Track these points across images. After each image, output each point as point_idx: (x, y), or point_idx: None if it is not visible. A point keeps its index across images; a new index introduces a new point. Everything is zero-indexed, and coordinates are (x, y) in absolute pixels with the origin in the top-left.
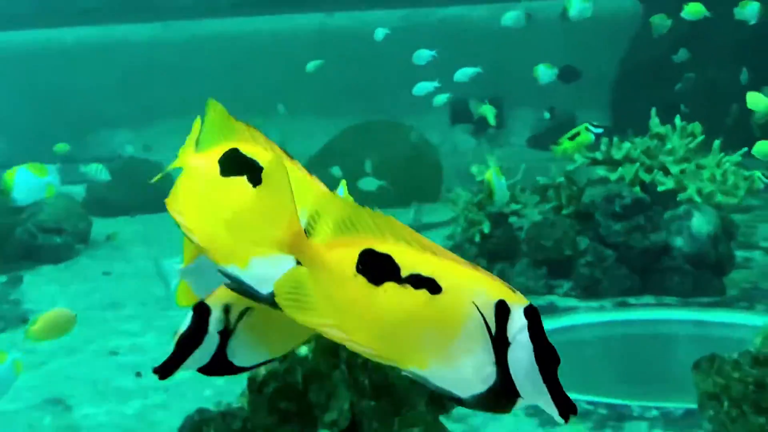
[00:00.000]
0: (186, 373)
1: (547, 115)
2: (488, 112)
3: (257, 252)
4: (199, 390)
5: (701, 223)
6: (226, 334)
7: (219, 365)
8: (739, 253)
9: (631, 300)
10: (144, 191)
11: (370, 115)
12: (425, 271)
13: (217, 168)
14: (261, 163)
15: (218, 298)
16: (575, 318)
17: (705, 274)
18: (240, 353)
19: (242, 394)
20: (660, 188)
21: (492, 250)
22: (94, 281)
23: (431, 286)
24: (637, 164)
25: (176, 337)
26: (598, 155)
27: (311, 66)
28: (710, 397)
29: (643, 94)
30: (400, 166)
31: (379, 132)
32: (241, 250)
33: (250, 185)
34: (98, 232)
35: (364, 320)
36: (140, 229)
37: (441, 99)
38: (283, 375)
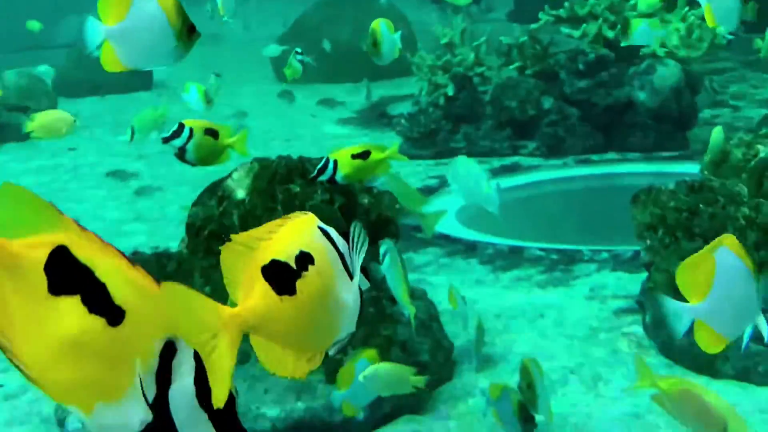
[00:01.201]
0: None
1: None
2: None
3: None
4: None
5: (664, 76)
6: None
7: None
8: (707, 111)
9: (594, 157)
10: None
11: None
12: (116, 292)
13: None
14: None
15: None
16: (538, 174)
17: (668, 129)
18: None
19: (181, 240)
20: (623, 43)
21: (457, 114)
22: (60, 157)
23: (113, 314)
24: (600, 20)
25: None
26: (562, 12)
27: None
28: (647, 227)
29: None
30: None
31: (349, 5)
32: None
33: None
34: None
35: (32, 333)
36: (107, 108)
37: None
38: (219, 218)
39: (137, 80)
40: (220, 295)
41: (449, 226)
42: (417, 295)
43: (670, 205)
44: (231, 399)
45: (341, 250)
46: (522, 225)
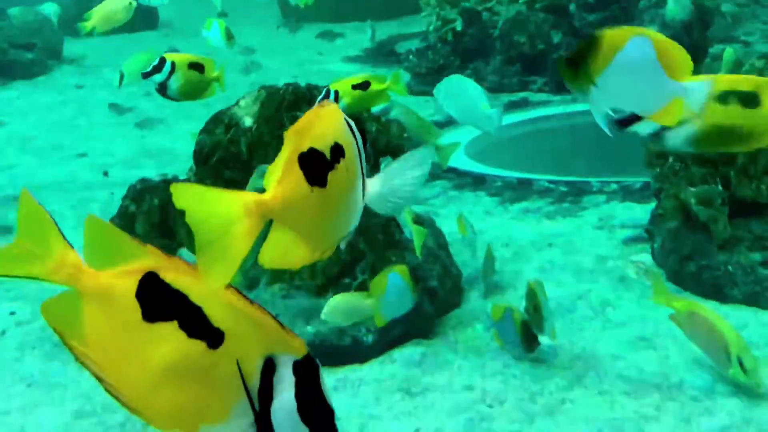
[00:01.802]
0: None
1: None
2: None
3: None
4: None
5: (675, 10)
6: None
7: None
8: (718, 46)
9: None
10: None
11: None
12: (213, 314)
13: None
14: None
15: None
16: (547, 110)
17: None
18: None
19: (189, 169)
20: None
21: (465, 49)
22: (67, 94)
23: (213, 337)
24: None
25: None
26: None
27: None
28: (657, 155)
29: None
30: None
31: None
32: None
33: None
34: (72, 51)
35: (130, 363)
36: (114, 48)
37: None
38: (227, 145)
39: (143, 20)
40: None
41: (457, 159)
42: (426, 223)
43: None
44: (330, 413)
45: (359, 146)
46: (531, 159)
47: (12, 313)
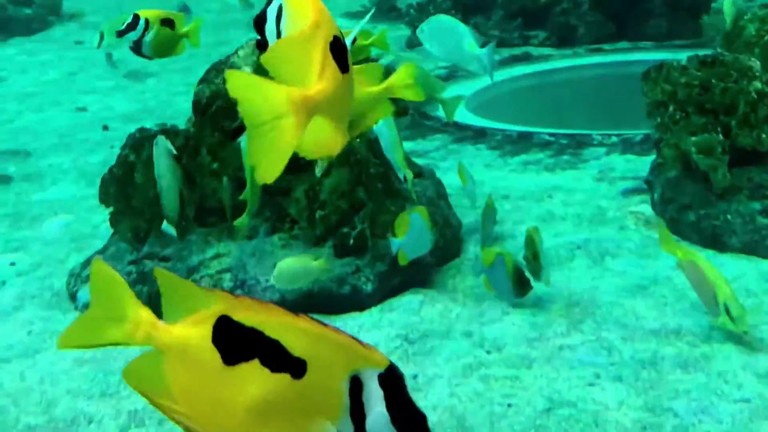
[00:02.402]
0: None
1: None
2: None
3: None
4: None
5: None
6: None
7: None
8: None
9: (606, 46)
10: None
11: None
12: (292, 345)
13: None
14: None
15: None
16: (549, 64)
17: (681, 16)
18: None
19: (188, 119)
20: None
21: (466, 3)
22: (66, 50)
23: (296, 368)
24: None
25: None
26: None
27: None
28: (658, 105)
29: None
30: None
31: None
32: None
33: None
34: (72, 7)
35: (218, 409)
36: (115, 3)
37: None
38: (226, 95)
39: None
40: (226, 172)
41: (459, 113)
42: (425, 173)
43: (681, 81)
44: (423, 418)
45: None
46: (531, 112)
47: (12, 264)
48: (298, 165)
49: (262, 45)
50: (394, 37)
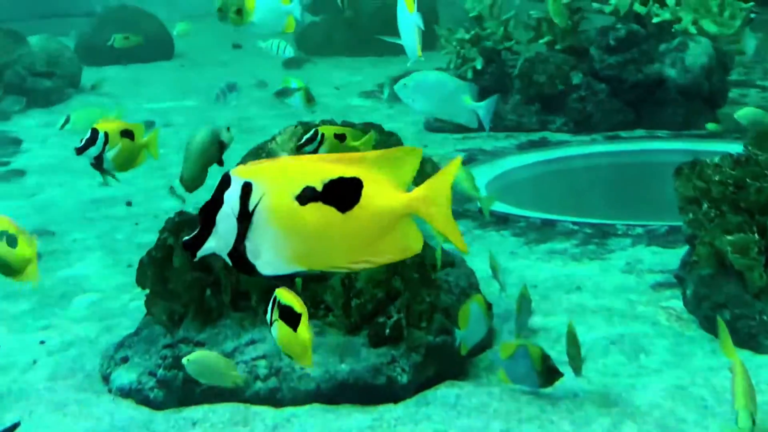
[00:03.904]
0: None
1: None
2: None
3: None
4: None
5: (696, 54)
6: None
7: (240, 260)
8: (735, 91)
9: (623, 134)
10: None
11: None
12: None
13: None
14: None
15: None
16: (567, 150)
17: (698, 107)
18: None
19: None
20: (655, 20)
21: (484, 87)
22: None
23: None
24: None
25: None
26: None
27: None
28: (690, 201)
29: None
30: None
31: None
32: None
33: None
34: (89, 78)
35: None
36: (131, 77)
37: None
38: None
39: (158, 51)
40: None
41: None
42: (456, 262)
43: (714, 179)
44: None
45: None
46: (552, 198)
47: (42, 342)
48: None
49: (191, 245)
50: (411, 121)
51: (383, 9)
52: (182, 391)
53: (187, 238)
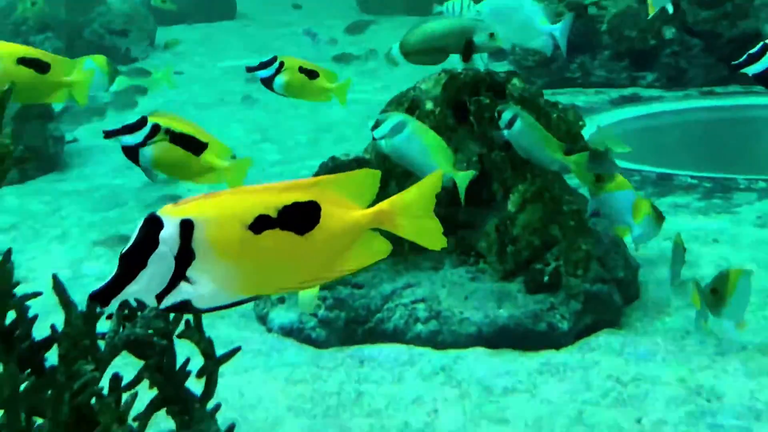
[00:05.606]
0: None
1: None
2: None
3: None
4: None
5: None
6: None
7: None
8: None
9: (718, 89)
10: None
11: None
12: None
13: None
14: None
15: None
16: (660, 105)
17: None
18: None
19: (365, 150)
20: None
21: (571, 42)
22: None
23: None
24: None
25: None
26: None
27: None
28: None
29: None
30: None
31: None
32: None
33: None
34: (160, 38)
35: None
36: (201, 36)
37: None
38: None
39: (222, 10)
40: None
41: None
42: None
43: None
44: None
45: None
46: (648, 152)
47: None
48: (481, 199)
49: (102, 293)
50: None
51: None
52: (344, 332)
53: (96, 289)
